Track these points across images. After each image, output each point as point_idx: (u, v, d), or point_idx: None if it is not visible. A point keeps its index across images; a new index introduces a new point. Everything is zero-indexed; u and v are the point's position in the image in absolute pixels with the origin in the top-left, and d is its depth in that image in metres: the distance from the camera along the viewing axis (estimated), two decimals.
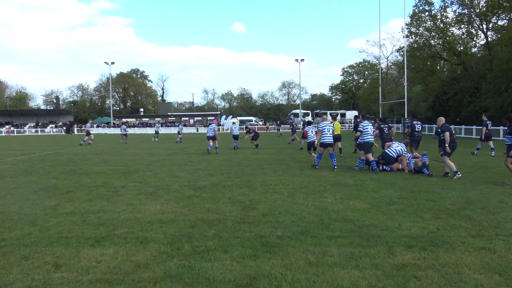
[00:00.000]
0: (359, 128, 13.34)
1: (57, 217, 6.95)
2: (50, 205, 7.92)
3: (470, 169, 12.80)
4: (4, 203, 8.23)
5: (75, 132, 69.45)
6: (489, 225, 6.14)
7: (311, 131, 16.12)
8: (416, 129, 14.29)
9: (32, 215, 7.07)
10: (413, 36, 46.96)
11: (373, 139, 12.86)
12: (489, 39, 43.32)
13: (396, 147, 12.73)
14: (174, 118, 79.74)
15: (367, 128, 12.80)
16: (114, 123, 75.71)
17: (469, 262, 4.58)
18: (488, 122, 17.89)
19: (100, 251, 5.11)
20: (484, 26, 43.30)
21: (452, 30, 45.46)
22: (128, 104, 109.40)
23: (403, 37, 44.21)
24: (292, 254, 4.91)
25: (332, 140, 13.46)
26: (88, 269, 4.52)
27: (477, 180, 10.58)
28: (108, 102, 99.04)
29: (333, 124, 14.79)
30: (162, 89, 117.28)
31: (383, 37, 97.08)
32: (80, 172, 13.08)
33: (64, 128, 71.81)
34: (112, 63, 73.97)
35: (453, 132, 11.25)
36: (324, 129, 13.32)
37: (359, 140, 13.32)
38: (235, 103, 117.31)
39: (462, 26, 44.53)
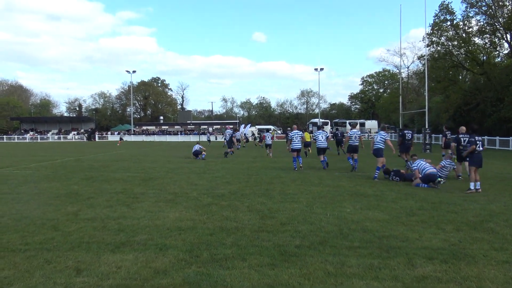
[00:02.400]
0: (314, 137, 16.72)
1: (79, 222, 7.08)
2: (72, 211, 8.08)
3: (492, 181, 12.53)
4: (27, 208, 8.42)
5: (96, 139, 70.64)
6: None
7: (267, 136, 25.80)
8: (407, 138, 17.35)
9: (55, 220, 7.22)
10: (434, 45, 46.36)
11: (324, 145, 16.13)
12: None
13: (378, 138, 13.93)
14: (193, 126, 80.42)
15: (318, 136, 16.18)
16: (134, 131, 76.81)
17: (492, 276, 4.48)
18: (447, 132, 20.55)
19: (120, 256, 5.18)
20: (508, 36, 42.50)
21: (474, 39, 44.72)
22: (149, 112, 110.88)
23: (424, 46, 43.72)
24: (310, 263, 4.88)
25: (300, 146, 16.26)
26: (108, 274, 4.59)
27: (500, 192, 10.35)
28: (129, 110, 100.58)
29: (304, 134, 17.66)
30: (182, 97, 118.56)
31: (404, 47, 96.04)
32: (101, 179, 13.29)
33: (86, 135, 73.13)
34: (134, 71, 75.40)
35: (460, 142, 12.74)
36: (293, 137, 16.14)
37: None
38: (254, 112, 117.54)
39: (485, 36, 43.77)
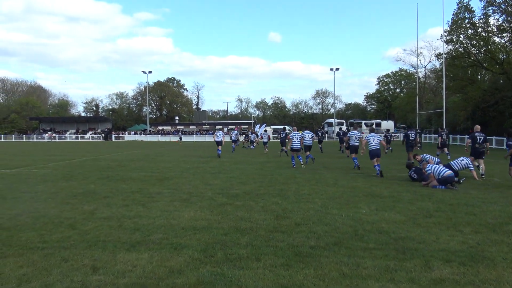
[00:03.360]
0: (290, 136, 18.42)
1: (95, 221, 7.16)
2: (89, 210, 8.18)
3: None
4: (45, 206, 8.56)
5: (113, 139, 71.46)
6: None
7: (264, 136, 30.52)
8: (410, 138, 19.02)
9: (72, 219, 7.32)
10: (452, 44, 45.62)
11: (309, 142, 17.69)
12: None
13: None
14: (208, 126, 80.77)
15: (305, 135, 17.68)
16: (150, 131, 77.46)
17: None
18: (442, 132, 22.88)
19: (135, 255, 5.22)
20: None
21: (494, 38, 43.85)
22: (164, 112, 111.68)
23: (443, 42, 43.02)
24: (325, 264, 4.85)
25: (299, 146, 17.19)
26: (124, 272, 4.63)
27: None
28: (145, 110, 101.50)
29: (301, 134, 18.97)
30: (197, 97, 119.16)
31: (421, 46, 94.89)
32: (117, 178, 13.44)
33: (103, 135, 74.04)
34: (150, 72, 75.97)
35: (477, 140, 13.61)
36: (293, 137, 17.39)
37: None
38: (268, 112, 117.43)
39: (505, 34, 42.90)
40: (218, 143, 23.78)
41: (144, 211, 8.02)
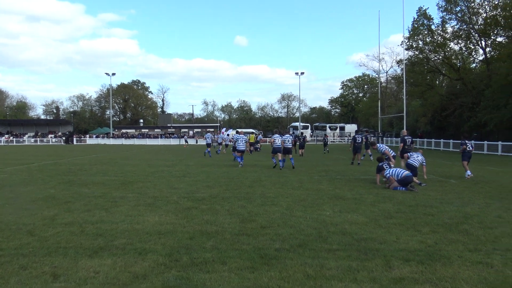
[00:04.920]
0: (234, 138, 21.45)
1: (56, 227, 6.95)
2: (49, 215, 7.92)
3: (467, 184, 12.84)
4: (2, 212, 8.22)
5: (74, 142, 69.45)
6: (486, 239, 6.16)
7: (226, 139, 34.12)
8: (357, 141, 20.81)
9: (31, 225, 7.07)
10: (412, 50, 47.26)
11: (242, 147, 19.70)
12: (488, 55, 43.64)
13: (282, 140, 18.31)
14: (173, 130, 79.87)
15: (238, 140, 20.05)
16: (113, 134, 75.75)
17: (466, 277, 4.59)
18: (368, 135, 26.72)
19: (98, 261, 5.11)
20: (483, 43, 43.66)
21: (451, 45, 45.78)
22: (128, 115, 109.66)
23: (403, 49, 44.53)
24: (290, 266, 4.91)
25: (244, 148, 19.95)
26: (86, 279, 4.52)
27: (475, 195, 10.60)
28: (108, 112, 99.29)
29: (248, 137, 22.00)
30: (162, 100, 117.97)
31: (383, 52, 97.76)
32: (79, 183, 13.08)
33: (64, 138, 71.81)
34: (113, 74, 74.42)
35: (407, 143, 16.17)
36: (238, 139, 20.14)
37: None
38: (234, 115, 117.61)
39: (461, 41, 44.86)
40: (207, 145, 28.99)
41: (107, 216, 7.84)
